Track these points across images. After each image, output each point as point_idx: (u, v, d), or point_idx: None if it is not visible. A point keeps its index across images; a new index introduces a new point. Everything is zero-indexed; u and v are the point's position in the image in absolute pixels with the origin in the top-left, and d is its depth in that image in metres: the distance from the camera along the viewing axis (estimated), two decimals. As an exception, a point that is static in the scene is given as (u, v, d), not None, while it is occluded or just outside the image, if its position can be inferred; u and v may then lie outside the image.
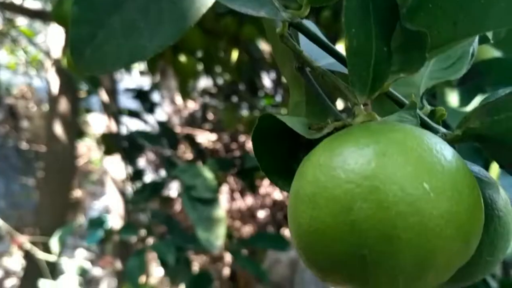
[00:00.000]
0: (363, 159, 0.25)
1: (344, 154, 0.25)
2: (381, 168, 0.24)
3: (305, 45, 0.36)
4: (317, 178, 0.26)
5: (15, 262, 3.29)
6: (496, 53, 0.83)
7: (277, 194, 3.04)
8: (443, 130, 0.34)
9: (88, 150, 3.53)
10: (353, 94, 0.30)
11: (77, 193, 3.46)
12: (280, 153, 0.34)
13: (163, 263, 1.42)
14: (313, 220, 0.25)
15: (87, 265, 1.63)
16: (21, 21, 2.60)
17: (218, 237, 1.22)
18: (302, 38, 0.37)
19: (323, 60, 0.36)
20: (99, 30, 0.38)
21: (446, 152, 0.26)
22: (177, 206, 2.92)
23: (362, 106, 0.30)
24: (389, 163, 0.24)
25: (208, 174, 1.33)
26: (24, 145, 3.51)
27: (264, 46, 2.04)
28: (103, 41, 0.38)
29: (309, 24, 0.35)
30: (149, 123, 1.90)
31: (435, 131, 0.33)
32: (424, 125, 0.33)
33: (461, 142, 0.33)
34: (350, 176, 0.24)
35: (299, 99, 0.43)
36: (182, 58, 1.56)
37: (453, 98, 0.83)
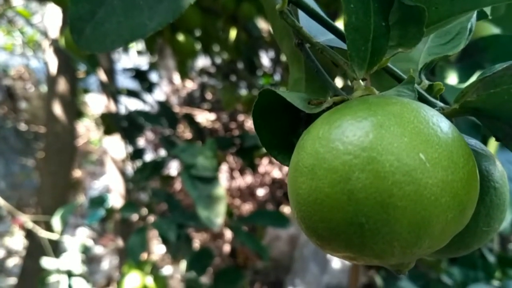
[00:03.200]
0: (361, 131, 0.25)
1: (342, 127, 0.26)
2: (379, 140, 0.25)
3: (304, 21, 0.36)
4: (316, 150, 0.27)
5: (17, 241, 3.33)
6: (495, 30, 0.83)
7: (276, 172, 3.06)
8: (440, 104, 0.34)
9: (87, 130, 3.53)
10: (352, 69, 0.30)
11: (77, 173, 3.48)
12: (280, 128, 0.35)
13: (164, 240, 1.44)
14: (312, 190, 0.26)
15: (89, 243, 1.64)
16: (17, 2, 2.57)
17: (219, 215, 1.23)
18: (301, 14, 0.37)
19: (322, 36, 0.36)
20: (99, 8, 0.38)
21: (442, 124, 0.27)
22: (177, 185, 2.95)
23: (360, 80, 0.31)
24: (386, 134, 0.25)
25: (207, 153, 1.34)
26: (22, 126, 3.51)
27: (262, 25, 2.03)
28: (103, 19, 0.38)
29: (308, 0, 0.35)
30: (148, 102, 1.90)
31: (432, 105, 0.34)
32: (422, 99, 0.34)
33: (458, 115, 0.33)
34: (348, 148, 0.25)
35: (299, 75, 0.44)
36: (181, 37, 1.55)
37: (451, 75, 0.83)
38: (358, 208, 0.24)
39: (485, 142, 0.74)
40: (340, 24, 0.32)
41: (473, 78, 0.79)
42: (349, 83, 0.31)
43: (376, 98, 0.28)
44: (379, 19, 0.29)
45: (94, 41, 0.38)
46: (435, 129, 0.26)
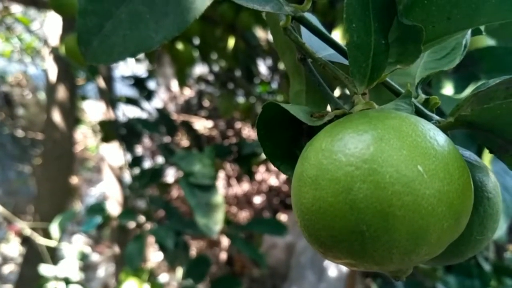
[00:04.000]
0: (362, 144, 0.27)
1: (344, 140, 0.28)
2: (379, 152, 0.26)
3: (306, 37, 0.38)
4: (319, 161, 0.28)
5: (13, 248, 3.32)
6: (490, 42, 0.85)
7: (273, 180, 3.07)
8: (436, 117, 0.36)
9: (84, 137, 3.53)
10: (353, 84, 0.32)
11: (74, 180, 3.47)
12: (283, 139, 0.36)
13: (162, 248, 1.44)
14: (316, 199, 0.28)
15: (86, 250, 1.65)
16: (16, 9, 2.58)
17: (217, 223, 1.24)
18: (303, 30, 0.39)
19: (324, 51, 0.38)
20: (106, 21, 0.40)
21: (439, 138, 0.28)
22: (174, 192, 2.95)
23: (360, 95, 0.32)
24: (386, 147, 0.26)
25: (206, 160, 1.35)
26: (19, 133, 3.51)
27: (260, 33, 2.05)
28: (110, 32, 0.39)
29: (310, 17, 0.37)
30: (146, 110, 1.91)
31: (429, 119, 0.35)
32: (418, 113, 0.35)
33: (453, 128, 0.35)
34: (350, 160, 0.27)
35: (300, 88, 0.45)
36: (179, 46, 1.57)
37: (447, 85, 0.84)
38: (359, 217, 0.26)
39: (480, 152, 0.75)
40: (337, 34, 0.34)
41: (468, 89, 0.81)
42: (347, 91, 0.33)
43: (376, 113, 0.30)
44: (379, 38, 0.30)
45: (101, 54, 0.39)
46: (432, 142, 0.27)
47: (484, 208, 0.35)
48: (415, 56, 0.30)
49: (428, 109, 0.36)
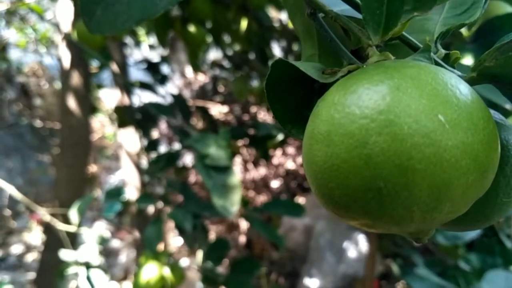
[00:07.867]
0: (377, 95, 0.25)
1: (358, 91, 0.26)
2: (396, 102, 0.24)
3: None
4: (331, 116, 0.26)
5: (35, 237, 3.37)
6: (510, 9, 0.82)
7: (290, 164, 3.05)
8: (457, 72, 0.33)
9: (101, 125, 3.56)
10: (367, 35, 0.30)
11: (93, 168, 3.51)
12: (294, 100, 0.34)
13: (181, 231, 1.44)
14: (328, 157, 0.26)
15: (107, 235, 1.66)
16: (29, -1, 2.59)
17: (234, 204, 1.23)
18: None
19: (336, 7, 0.36)
20: (109, -11, 0.38)
21: (461, 86, 0.26)
22: (192, 178, 2.96)
23: (375, 47, 0.30)
24: (403, 97, 0.24)
25: (221, 142, 1.34)
26: (38, 123, 3.55)
27: (273, 14, 2.02)
28: (113, 0, 0.38)
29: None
30: (161, 95, 1.91)
31: (450, 73, 0.33)
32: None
33: (476, 83, 0.32)
34: (365, 112, 0.25)
35: (312, 52, 0.43)
36: (191, 28, 1.55)
37: (467, 55, 0.82)
38: (376, 173, 0.24)
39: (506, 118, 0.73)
40: None
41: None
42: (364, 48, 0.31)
43: (393, 62, 0.28)
44: (394, -18, 0.28)
45: (105, 23, 0.38)
46: (454, 90, 0.25)
47: (511, 168, 0.33)
48: (432, 2, 0.28)
49: (449, 64, 0.34)
